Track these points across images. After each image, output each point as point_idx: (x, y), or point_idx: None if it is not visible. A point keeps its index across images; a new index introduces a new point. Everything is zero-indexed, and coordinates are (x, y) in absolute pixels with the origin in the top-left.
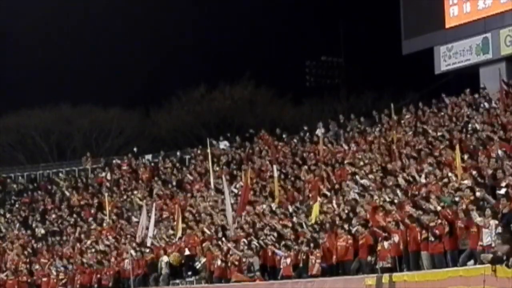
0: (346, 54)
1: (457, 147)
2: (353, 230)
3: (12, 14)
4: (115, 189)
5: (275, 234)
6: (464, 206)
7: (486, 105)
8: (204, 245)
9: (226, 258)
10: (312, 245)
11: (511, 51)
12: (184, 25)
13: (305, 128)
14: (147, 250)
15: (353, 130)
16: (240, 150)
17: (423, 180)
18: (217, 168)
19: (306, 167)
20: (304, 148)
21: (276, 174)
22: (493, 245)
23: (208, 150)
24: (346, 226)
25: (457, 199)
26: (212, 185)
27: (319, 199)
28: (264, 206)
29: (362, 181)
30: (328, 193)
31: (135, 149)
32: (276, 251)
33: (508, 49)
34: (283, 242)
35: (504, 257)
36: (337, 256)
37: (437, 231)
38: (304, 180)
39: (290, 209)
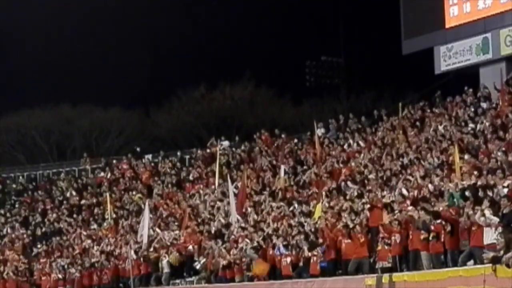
0: (346, 54)
1: (456, 147)
2: (353, 229)
3: (13, 14)
4: (115, 189)
5: (277, 233)
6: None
7: (486, 105)
8: (206, 244)
9: (227, 258)
10: (312, 245)
11: (511, 51)
12: (184, 25)
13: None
14: (151, 249)
15: (353, 130)
16: (240, 150)
17: (424, 180)
18: (218, 168)
19: (306, 167)
20: (304, 148)
21: (283, 174)
22: (496, 243)
23: (218, 150)
24: (346, 225)
25: None
26: (216, 185)
27: (321, 198)
28: (265, 205)
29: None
30: (329, 193)
31: (138, 148)
32: (280, 245)
33: (508, 49)
34: (284, 242)
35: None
36: (338, 255)
37: (433, 228)
38: (305, 180)
39: (292, 209)
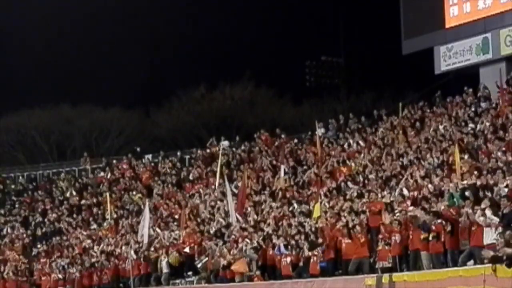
0: (346, 54)
1: (456, 146)
2: (354, 229)
3: (12, 14)
4: (115, 189)
5: (277, 233)
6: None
7: (486, 105)
8: (206, 244)
9: (227, 258)
10: (312, 245)
11: (511, 51)
12: (184, 25)
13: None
14: (152, 249)
15: (353, 130)
16: (240, 150)
17: (424, 180)
18: (219, 168)
19: (306, 167)
20: (304, 148)
21: (283, 174)
22: (496, 243)
23: (220, 150)
24: (346, 225)
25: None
26: (217, 185)
27: (320, 199)
28: (265, 205)
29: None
30: (329, 193)
31: (138, 148)
32: (281, 245)
33: (508, 49)
34: (284, 242)
35: (504, 257)
36: (338, 255)
37: (434, 227)
38: (305, 180)
39: (292, 209)
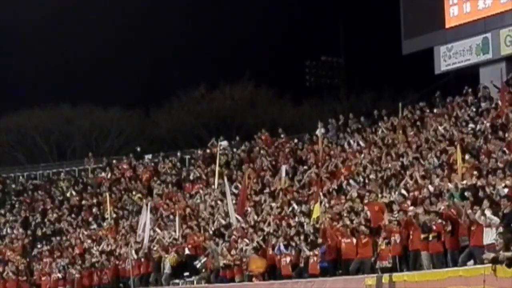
0: (346, 54)
1: (458, 147)
2: (355, 229)
3: (12, 14)
4: (115, 189)
5: (277, 233)
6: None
7: (486, 105)
8: (206, 244)
9: (227, 258)
10: (312, 245)
11: (511, 51)
12: (184, 25)
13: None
14: (154, 248)
15: (353, 130)
16: (240, 150)
17: (424, 181)
18: (218, 168)
19: (306, 167)
20: (304, 148)
21: (284, 174)
22: (495, 243)
23: (217, 150)
24: (346, 225)
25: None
26: (216, 185)
27: (320, 199)
28: (265, 205)
29: (362, 180)
30: (329, 193)
31: (138, 148)
32: (281, 244)
33: (508, 49)
34: (285, 242)
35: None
36: (338, 255)
37: (434, 227)
38: (305, 180)
39: (292, 209)
